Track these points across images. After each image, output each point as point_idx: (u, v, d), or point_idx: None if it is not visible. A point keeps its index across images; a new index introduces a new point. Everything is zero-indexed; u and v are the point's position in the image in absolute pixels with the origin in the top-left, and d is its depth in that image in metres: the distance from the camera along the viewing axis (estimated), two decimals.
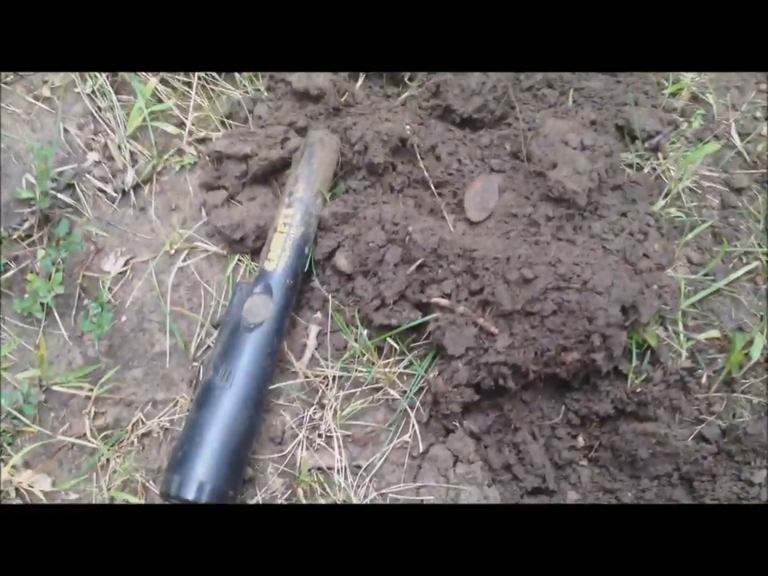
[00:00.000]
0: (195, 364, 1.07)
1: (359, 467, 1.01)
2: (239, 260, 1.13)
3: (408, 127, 1.13)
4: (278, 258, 1.03)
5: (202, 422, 0.94)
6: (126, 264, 1.12)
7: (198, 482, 0.91)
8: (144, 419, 1.03)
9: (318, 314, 1.09)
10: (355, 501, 0.98)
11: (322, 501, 0.98)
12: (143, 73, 1.18)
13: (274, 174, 1.17)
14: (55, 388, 1.04)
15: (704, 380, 1.09)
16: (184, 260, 1.12)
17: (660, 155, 1.21)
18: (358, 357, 1.04)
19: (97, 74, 1.17)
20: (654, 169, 1.21)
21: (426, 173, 1.13)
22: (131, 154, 1.18)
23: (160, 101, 1.20)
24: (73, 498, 0.99)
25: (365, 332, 1.05)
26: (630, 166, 1.21)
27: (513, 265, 0.99)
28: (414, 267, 1.02)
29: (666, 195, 1.17)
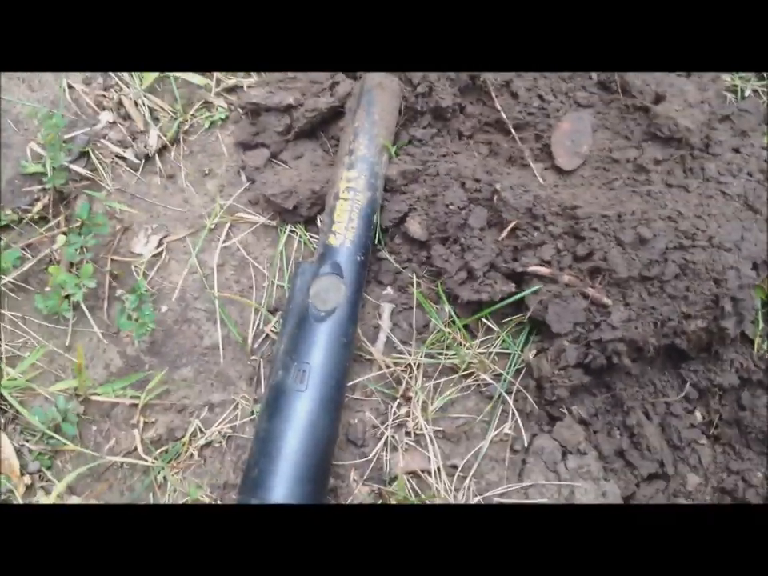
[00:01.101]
0: (254, 358, 0.92)
1: (455, 467, 0.88)
2: (291, 231, 0.96)
3: None
4: (345, 230, 0.87)
5: (277, 433, 0.80)
6: (159, 244, 0.96)
7: (279, 505, 0.77)
8: (201, 427, 0.89)
9: (389, 290, 0.94)
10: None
11: None
12: None
13: (321, 126, 0.99)
14: (94, 398, 0.89)
15: None
16: (227, 235, 0.96)
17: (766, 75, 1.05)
18: (446, 339, 0.89)
19: None
20: (755, 91, 1.04)
21: (502, 113, 0.96)
22: (151, 111, 1.00)
23: None
24: None
25: (445, 310, 0.90)
26: (731, 90, 1.04)
27: (626, 223, 0.84)
28: (506, 232, 0.86)
29: None
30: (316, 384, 0.82)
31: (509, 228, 0.86)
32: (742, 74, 1.04)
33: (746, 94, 1.05)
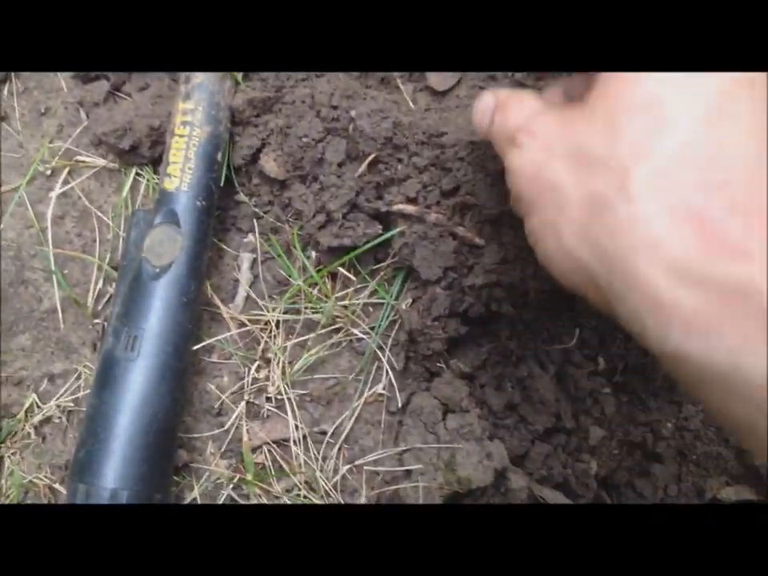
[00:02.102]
0: (97, 321, 0.82)
1: (324, 433, 0.79)
2: (138, 174, 0.85)
3: None
4: (181, 172, 0.75)
5: (105, 409, 0.70)
6: None
7: (110, 490, 0.68)
8: (39, 402, 0.79)
9: (250, 237, 0.83)
10: (322, 478, 0.76)
11: (278, 486, 0.77)
12: None
13: None
14: None
15: None
16: (65, 182, 0.85)
17: None
18: (306, 291, 0.79)
19: None
20: None
21: None
22: None
23: None
24: None
25: (312, 256, 0.79)
26: None
27: None
28: (364, 166, 0.75)
29: None
30: (149, 351, 0.72)
31: (367, 161, 0.74)
32: None
33: None
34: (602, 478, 0.84)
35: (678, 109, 0.41)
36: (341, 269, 0.78)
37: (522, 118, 0.52)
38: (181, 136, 0.76)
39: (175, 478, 0.76)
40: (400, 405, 0.79)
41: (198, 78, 0.77)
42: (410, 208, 0.75)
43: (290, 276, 0.80)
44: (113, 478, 0.69)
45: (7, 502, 0.77)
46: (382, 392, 0.79)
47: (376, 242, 0.76)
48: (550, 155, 0.47)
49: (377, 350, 0.79)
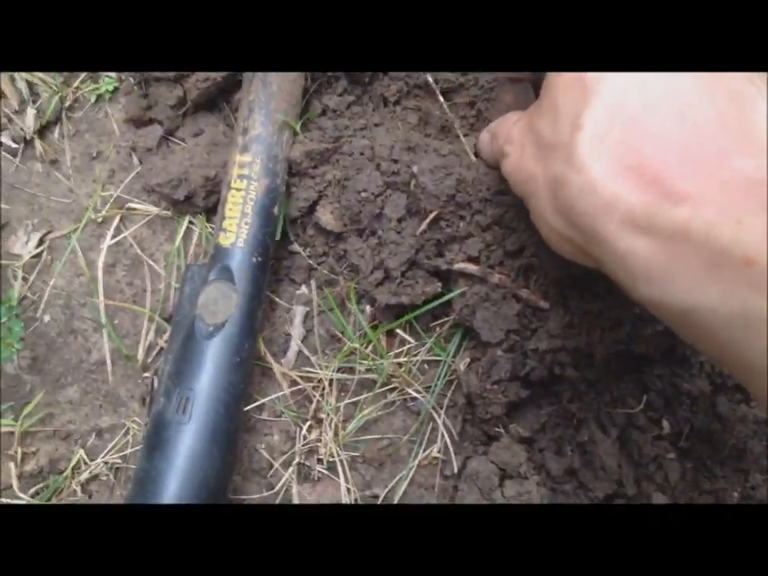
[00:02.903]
0: (147, 375, 0.80)
1: (376, 497, 0.76)
2: (191, 223, 0.83)
3: None
4: (237, 227, 0.74)
5: (155, 473, 0.68)
6: (40, 242, 0.83)
7: None
8: (86, 458, 0.78)
9: (303, 289, 0.81)
10: None
11: None
12: None
13: (223, 96, 0.85)
14: None
15: None
16: (117, 229, 0.83)
17: None
18: (361, 350, 0.76)
19: None
20: None
21: (428, 74, 0.80)
22: (29, 85, 0.86)
23: None
24: None
25: (367, 311, 0.77)
26: None
27: None
28: (425, 223, 0.72)
29: None
30: (201, 414, 0.70)
31: (429, 219, 0.72)
32: None
33: None
34: None
35: (598, 77, 0.44)
36: (398, 330, 0.75)
37: (505, 134, 0.59)
38: (238, 189, 0.74)
39: None
40: (456, 469, 0.76)
41: (256, 129, 0.75)
42: (471, 267, 0.72)
43: (342, 333, 0.78)
44: None
45: None
46: (437, 455, 0.77)
47: (436, 303, 0.73)
48: (522, 152, 0.53)
49: (432, 411, 0.77)
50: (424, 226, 0.72)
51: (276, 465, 0.76)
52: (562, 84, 0.47)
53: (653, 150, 0.40)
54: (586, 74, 0.45)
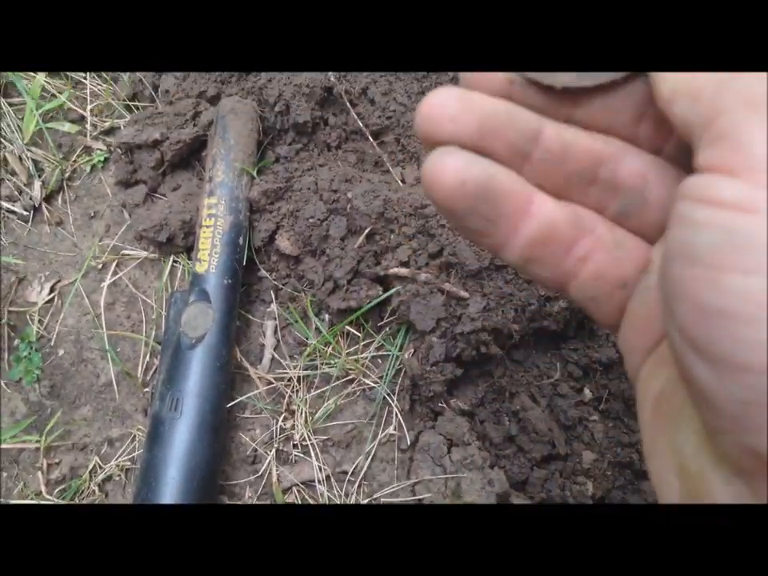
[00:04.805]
0: (146, 390, 0.95)
1: (345, 473, 0.90)
2: (175, 261, 1.00)
3: (331, 73, 0.97)
4: (209, 256, 0.90)
5: (155, 462, 0.83)
6: (52, 290, 1.00)
7: None
8: (101, 463, 0.92)
9: (273, 307, 0.97)
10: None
11: None
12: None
13: (194, 155, 1.02)
14: (3, 446, 0.93)
15: None
16: (114, 273, 1.00)
17: None
18: (320, 350, 0.92)
19: None
20: None
21: (359, 122, 0.97)
22: (35, 163, 1.04)
23: (54, 96, 1.05)
24: None
25: (326, 318, 0.93)
26: None
27: None
28: (361, 238, 0.88)
29: None
30: (190, 411, 0.85)
31: (363, 234, 0.88)
32: None
33: None
34: (598, 497, 0.93)
35: None
36: (349, 327, 0.91)
37: None
38: (207, 226, 0.91)
39: None
40: (410, 443, 0.90)
41: (219, 176, 0.92)
42: (403, 270, 0.88)
43: (306, 338, 0.93)
44: None
45: None
46: (393, 432, 0.91)
47: (376, 301, 0.88)
48: None
49: (386, 396, 0.91)
50: (361, 240, 0.88)
51: (259, 451, 0.90)
52: None
53: None
54: None
